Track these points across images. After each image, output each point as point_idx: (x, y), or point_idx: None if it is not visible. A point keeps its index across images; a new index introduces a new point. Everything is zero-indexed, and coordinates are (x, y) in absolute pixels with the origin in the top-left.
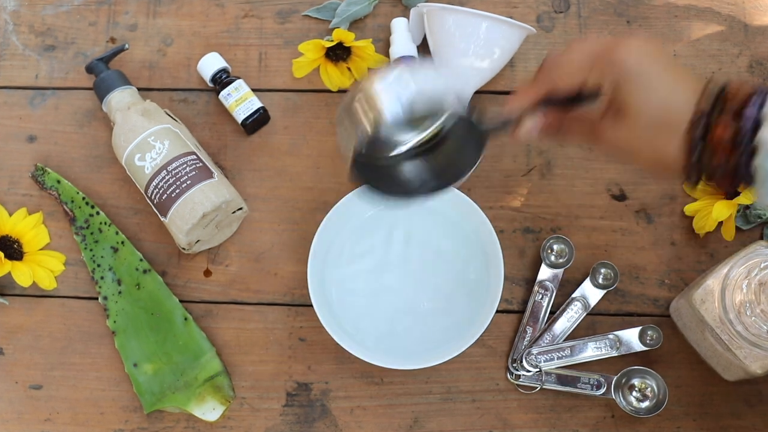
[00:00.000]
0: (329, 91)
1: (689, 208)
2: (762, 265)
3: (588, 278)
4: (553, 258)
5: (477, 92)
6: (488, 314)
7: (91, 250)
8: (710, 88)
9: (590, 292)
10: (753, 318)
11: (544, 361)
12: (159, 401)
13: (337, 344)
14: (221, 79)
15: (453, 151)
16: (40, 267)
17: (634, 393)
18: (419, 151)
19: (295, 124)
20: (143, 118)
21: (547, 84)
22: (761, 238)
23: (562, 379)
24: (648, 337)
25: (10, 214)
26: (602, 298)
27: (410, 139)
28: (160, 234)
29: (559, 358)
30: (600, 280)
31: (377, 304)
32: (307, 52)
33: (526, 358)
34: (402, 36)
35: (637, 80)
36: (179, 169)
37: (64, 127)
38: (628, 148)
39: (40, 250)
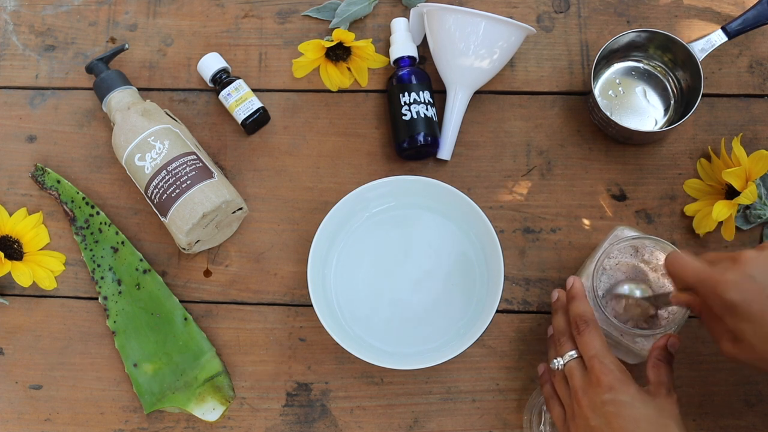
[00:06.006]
0: (329, 91)
1: (689, 208)
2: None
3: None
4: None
5: (477, 92)
6: (488, 314)
7: (91, 250)
8: None
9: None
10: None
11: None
12: (159, 401)
13: (337, 344)
14: (221, 79)
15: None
16: (40, 267)
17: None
18: None
19: (295, 124)
20: (143, 118)
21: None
22: (761, 238)
23: None
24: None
25: (10, 214)
26: None
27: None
28: (160, 234)
29: None
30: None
31: (377, 304)
32: (307, 52)
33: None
34: (402, 36)
35: (743, 316)
36: (179, 169)
37: (64, 127)
38: (751, 364)
39: (40, 250)
